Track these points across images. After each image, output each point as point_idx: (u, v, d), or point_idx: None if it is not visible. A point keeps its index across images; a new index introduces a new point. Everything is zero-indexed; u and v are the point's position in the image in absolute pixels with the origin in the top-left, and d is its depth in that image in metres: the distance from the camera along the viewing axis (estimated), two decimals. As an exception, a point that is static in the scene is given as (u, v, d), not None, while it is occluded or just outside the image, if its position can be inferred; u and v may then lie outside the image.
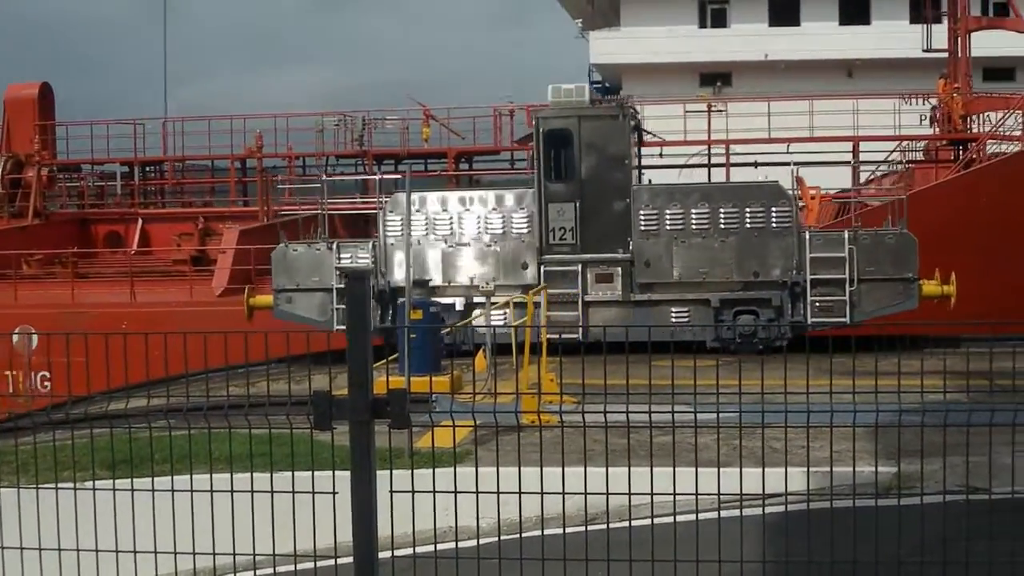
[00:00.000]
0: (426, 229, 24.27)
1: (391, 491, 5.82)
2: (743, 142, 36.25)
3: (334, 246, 24.58)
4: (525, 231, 24.14)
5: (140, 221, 40.88)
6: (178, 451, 9.39)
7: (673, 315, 23.69)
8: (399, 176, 31.72)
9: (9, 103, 43.42)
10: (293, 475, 6.10)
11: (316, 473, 5.95)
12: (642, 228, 23.74)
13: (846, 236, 23.18)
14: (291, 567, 7.00)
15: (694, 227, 23.65)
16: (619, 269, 23.90)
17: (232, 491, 6.43)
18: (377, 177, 29.70)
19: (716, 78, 50.53)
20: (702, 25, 51.30)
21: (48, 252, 36.95)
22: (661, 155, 35.95)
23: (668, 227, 23.70)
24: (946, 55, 38.57)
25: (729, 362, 7.28)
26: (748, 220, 23.54)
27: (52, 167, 41.23)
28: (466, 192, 26.90)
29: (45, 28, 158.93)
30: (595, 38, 52.06)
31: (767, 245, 23.52)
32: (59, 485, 6.95)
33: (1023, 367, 5.99)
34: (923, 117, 39.30)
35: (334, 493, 5.80)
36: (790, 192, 24.21)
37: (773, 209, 23.50)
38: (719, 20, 51.31)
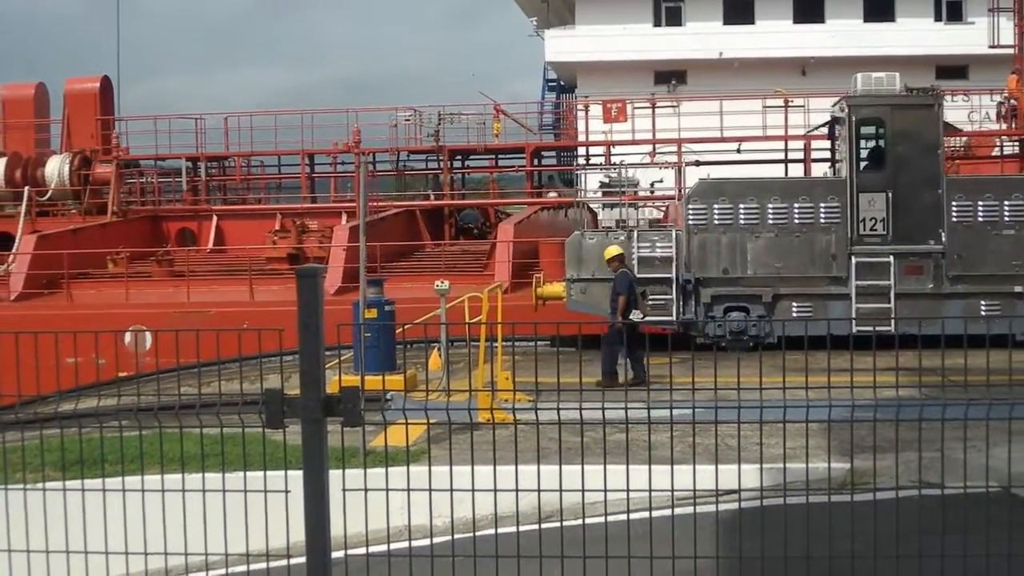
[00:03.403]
0: (730, 219, 23.71)
1: (344, 490, 5.79)
2: (796, 138, 36.79)
3: (633, 235, 23.94)
4: (836, 221, 23.55)
5: (215, 218, 40.33)
6: (130, 451, 9.32)
7: (983, 308, 23.22)
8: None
9: (69, 97, 42.61)
10: (245, 474, 6.05)
11: (268, 472, 5.90)
12: (954, 219, 23.29)
13: None
14: (244, 567, 6.94)
15: (1007, 219, 23.29)
16: (930, 261, 23.42)
17: (183, 491, 6.37)
18: (675, 165, 29.20)
19: (671, 76, 50.67)
20: (657, 23, 51.40)
21: (144, 250, 36.45)
22: (739, 151, 36.32)
23: (981, 219, 23.31)
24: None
25: (684, 359, 7.26)
26: None
27: (119, 162, 40.66)
28: (773, 181, 26.31)
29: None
30: (550, 36, 52.01)
31: None
32: (8, 486, 6.88)
33: (975, 364, 6.02)
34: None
35: (286, 492, 5.76)
36: None
37: None
38: (674, 18, 51.43)
